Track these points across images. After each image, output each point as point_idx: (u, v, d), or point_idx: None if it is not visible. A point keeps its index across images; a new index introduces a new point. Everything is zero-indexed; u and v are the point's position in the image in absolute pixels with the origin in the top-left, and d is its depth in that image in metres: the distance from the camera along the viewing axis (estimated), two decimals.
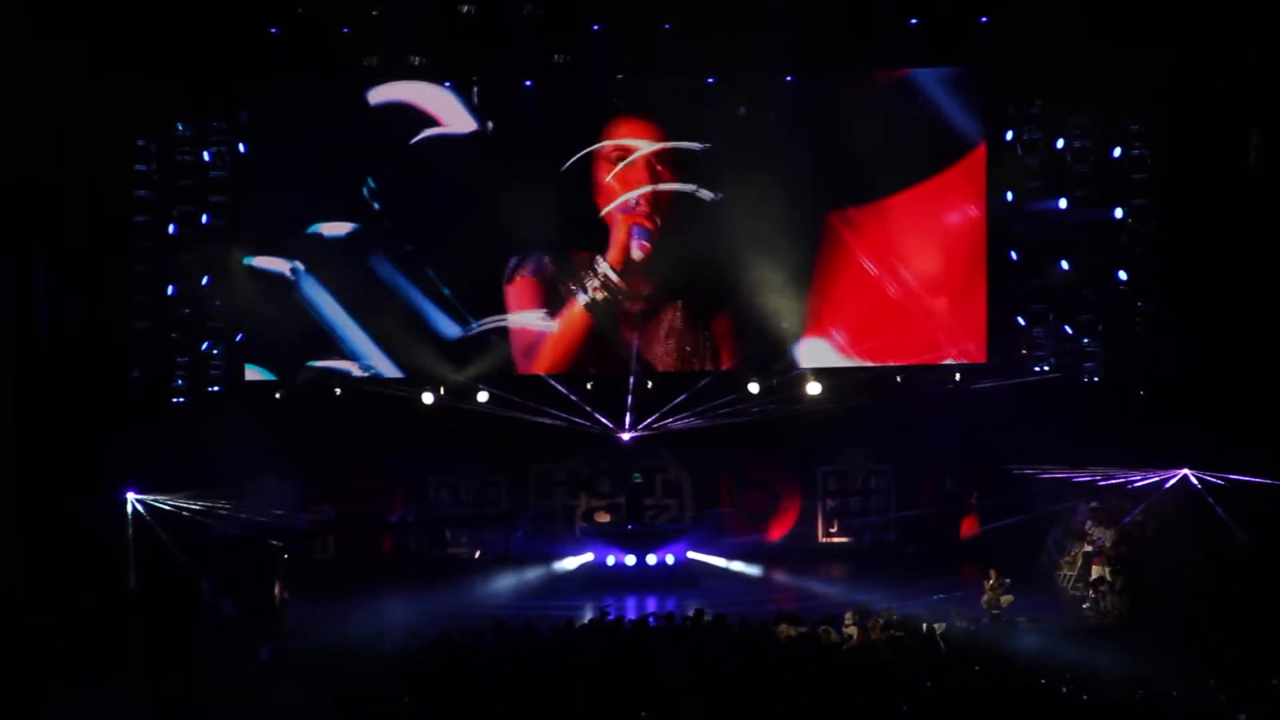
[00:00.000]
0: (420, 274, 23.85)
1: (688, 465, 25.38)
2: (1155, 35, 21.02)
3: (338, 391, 24.30)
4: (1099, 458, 21.20)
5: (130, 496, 20.38)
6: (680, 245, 23.60)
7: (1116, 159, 23.51)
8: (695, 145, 23.65)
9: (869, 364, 24.18)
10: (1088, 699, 13.71)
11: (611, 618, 18.08)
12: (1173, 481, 20.30)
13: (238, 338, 24.18)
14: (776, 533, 25.55)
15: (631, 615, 19.40)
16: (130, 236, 23.43)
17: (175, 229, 23.80)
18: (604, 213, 23.80)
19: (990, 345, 23.89)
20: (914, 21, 23.26)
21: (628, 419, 24.17)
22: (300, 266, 23.90)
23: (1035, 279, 24.03)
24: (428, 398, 23.98)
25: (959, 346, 23.95)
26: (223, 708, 14.87)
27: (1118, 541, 20.60)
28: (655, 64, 23.62)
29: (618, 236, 23.81)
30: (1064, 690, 14.00)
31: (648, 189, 23.66)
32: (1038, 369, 24.04)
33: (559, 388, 24.05)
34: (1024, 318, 24.15)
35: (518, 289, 24.10)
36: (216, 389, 24.10)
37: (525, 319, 24.09)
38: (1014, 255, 24.13)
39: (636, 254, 23.77)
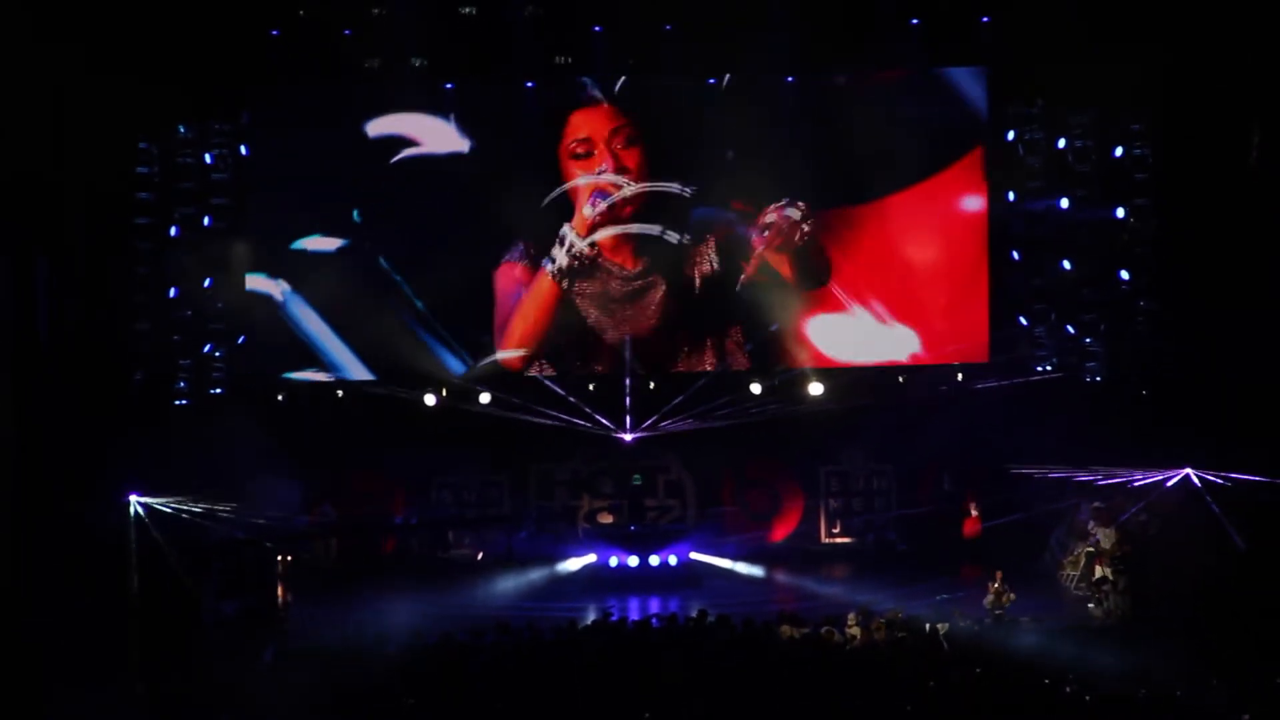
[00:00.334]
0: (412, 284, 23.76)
1: (690, 466, 25.36)
2: (1156, 35, 21.01)
3: (339, 393, 24.28)
4: (1101, 457, 21.16)
5: (133, 499, 20.35)
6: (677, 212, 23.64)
7: (1118, 158, 23.53)
8: (675, 187, 23.56)
9: (870, 364, 24.14)
10: (1090, 699, 13.71)
11: (614, 618, 18.08)
12: (1175, 481, 20.27)
13: (240, 340, 24.15)
14: (779, 533, 25.54)
15: (634, 616, 19.40)
16: (131, 238, 23.40)
17: (177, 231, 23.78)
18: (568, 186, 23.65)
19: (992, 345, 23.85)
20: (915, 22, 23.25)
21: (629, 420, 24.13)
22: (288, 288, 23.87)
23: (1037, 279, 24.02)
24: (429, 399, 23.94)
25: (960, 346, 23.92)
26: (224, 708, 14.86)
27: (1121, 541, 20.59)
28: (656, 65, 23.62)
29: (579, 204, 23.66)
30: (1067, 690, 13.99)
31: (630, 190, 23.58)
32: (1039, 369, 24.02)
33: (556, 389, 24.00)
34: (1026, 317, 24.12)
35: (504, 271, 23.95)
36: (219, 391, 24.07)
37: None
38: (1015, 255, 24.12)
39: (588, 210, 23.47)
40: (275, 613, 20.09)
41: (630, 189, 23.51)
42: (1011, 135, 23.96)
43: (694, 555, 23.72)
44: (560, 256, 23.66)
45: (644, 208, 23.64)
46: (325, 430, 23.97)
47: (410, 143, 23.58)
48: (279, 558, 20.56)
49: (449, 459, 24.84)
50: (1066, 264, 23.80)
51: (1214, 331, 21.42)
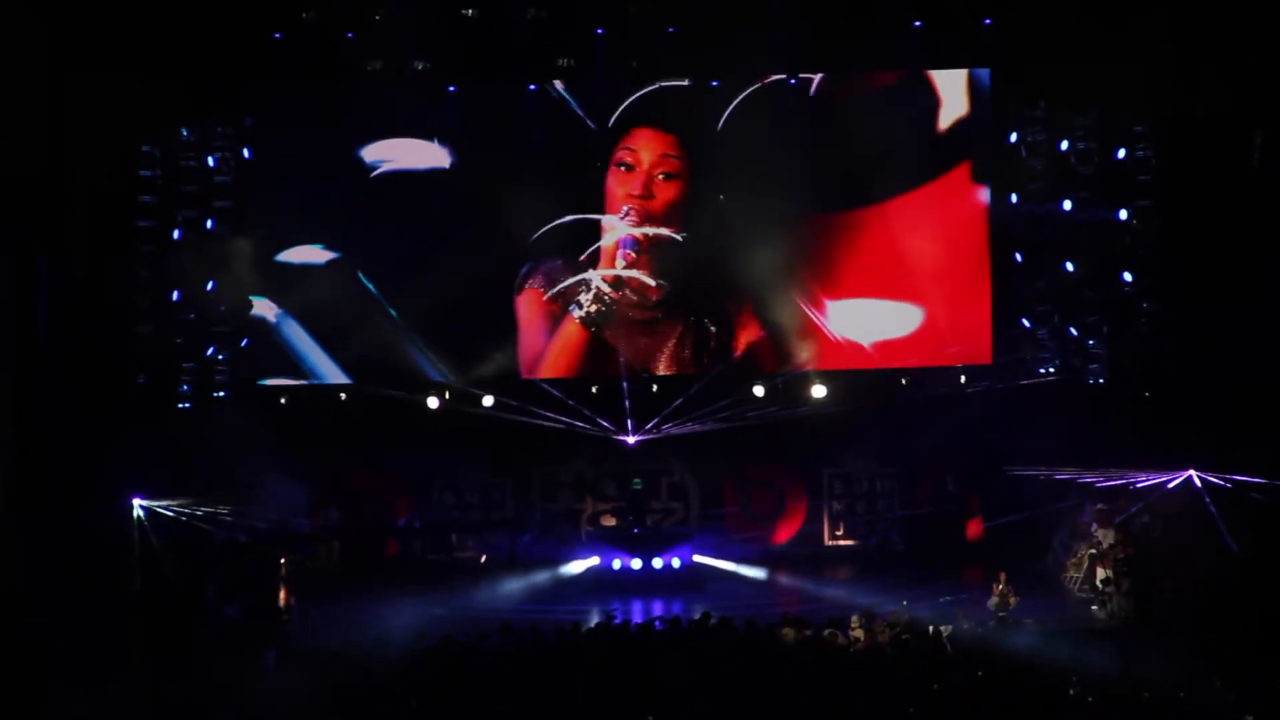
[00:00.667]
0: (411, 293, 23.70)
1: (693, 468, 25.36)
2: (1158, 36, 21.00)
3: (342, 396, 24.29)
4: (1104, 459, 21.17)
5: (135, 502, 20.37)
6: (682, 251, 23.63)
7: (1120, 160, 23.52)
8: (677, 236, 23.68)
9: (874, 366, 24.15)
10: (1094, 701, 13.71)
11: (617, 621, 18.07)
12: (1179, 482, 20.26)
13: (242, 343, 24.16)
14: (782, 535, 25.53)
15: (637, 618, 19.39)
16: (133, 241, 23.42)
17: (179, 234, 23.80)
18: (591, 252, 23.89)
19: (995, 346, 23.85)
20: (918, 24, 23.26)
21: (633, 423, 24.13)
22: (280, 311, 23.92)
23: (1039, 280, 24.03)
24: (432, 401, 23.95)
25: (963, 348, 23.91)
26: (226, 710, 14.87)
27: (1124, 543, 20.57)
28: (657, 67, 23.63)
29: (606, 247, 23.81)
30: (1070, 692, 13.99)
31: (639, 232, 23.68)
32: (1042, 370, 24.02)
33: (556, 393, 23.99)
34: (1028, 319, 24.12)
35: (527, 299, 24.08)
36: (221, 394, 24.09)
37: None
38: (1018, 257, 24.12)
39: (620, 264, 23.74)
40: (278, 615, 20.09)
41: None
42: (1014, 137, 23.96)
43: (697, 558, 23.70)
44: (587, 303, 23.80)
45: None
46: (328, 433, 23.96)
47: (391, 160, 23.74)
48: (281, 560, 20.57)
49: (452, 461, 24.86)
50: (1069, 266, 23.80)
51: (1216, 333, 21.39)
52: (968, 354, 24.00)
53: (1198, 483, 20.07)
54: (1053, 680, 14.36)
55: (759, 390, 23.98)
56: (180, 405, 23.80)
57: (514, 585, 22.72)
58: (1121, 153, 23.49)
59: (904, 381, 24.33)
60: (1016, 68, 23.22)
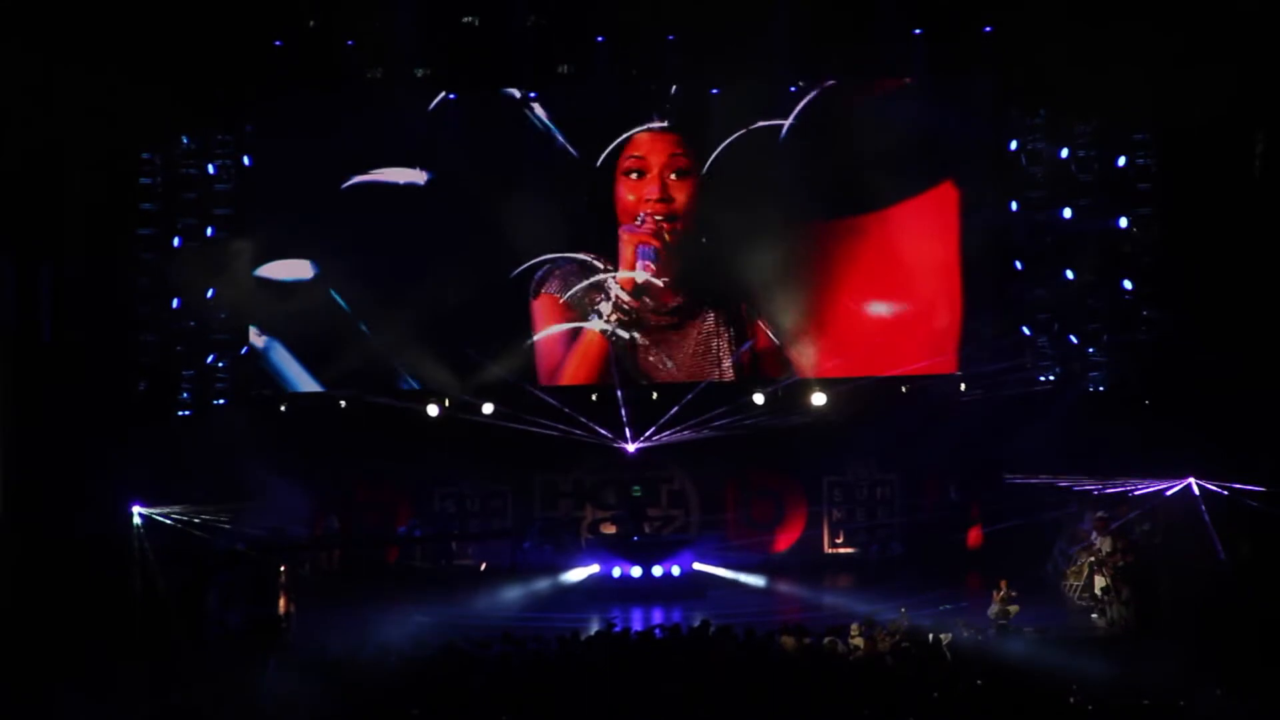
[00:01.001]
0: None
1: (693, 476, 25.36)
2: (1158, 44, 20.99)
3: (342, 404, 24.29)
4: (1104, 466, 21.17)
5: (135, 509, 20.37)
6: (694, 255, 23.76)
7: (1121, 168, 23.51)
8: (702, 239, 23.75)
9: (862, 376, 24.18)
10: (1094, 709, 13.71)
11: (618, 629, 18.07)
12: (1179, 490, 20.25)
13: (243, 351, 24.17)
14: (783, 543, 25.51)
15: (637, 626, 19.37)
16: (134, 248, 23.42)
17: (180, 241, 23.80)
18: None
19: (961, 357, 23.96)
20: (918, 31, 23.27)
21: (633, 431, 24.13)
22: (268, 339, 23.99)
23: (1039, 288, 24.02)
24: (432, 409, 23.95)
25: (931, 360, 24.03)
26: (226, 718, 14.87)
27: (1124, 550, 20.56)
28: (659, 75, 23.65)
29: (625, 256, 23.83)
30: (1070, 700, 13.99)
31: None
32: (1043, 378, 24.01)
33: (552, 402, 23.96)
34: (1029, 327, 24.12)
35: (543, 304, 24.10)
36: (222, 401, 24.09)
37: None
38: (1018, 265, 24.13)
39: (640, 275, 23.77)
40: (278, 623, 20.07)
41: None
42: (1014, 144, 23.97)
43: (697, 565, 23.68)
44: (607, 311, 23.83)
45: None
46: (328, 441, 23.95)
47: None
48: (282, 567, 20.55)
49: (452, 469, 24.84)
50: (1069, 273, 23.80)
51: (1217, 340, 21.38)
52: (935, 364, 24.05)
53: (1197, 490, 20.05)
54: (1052, 688, 14.38)
55: (759, 398, 23.97)
56: (180, 413, 23.81)
57: (514, 593, 22.71)
58: (1122, 160, 23.48)
59: (904, 389, 24.32)
60: (1017, 75, 23.21)
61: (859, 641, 17.24)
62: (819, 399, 23.94)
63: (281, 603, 20.25)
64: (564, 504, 25.43)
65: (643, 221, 23.71)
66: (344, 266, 23.81)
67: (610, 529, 24.99)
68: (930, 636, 17.30)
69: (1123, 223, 23.47)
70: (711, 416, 23.87)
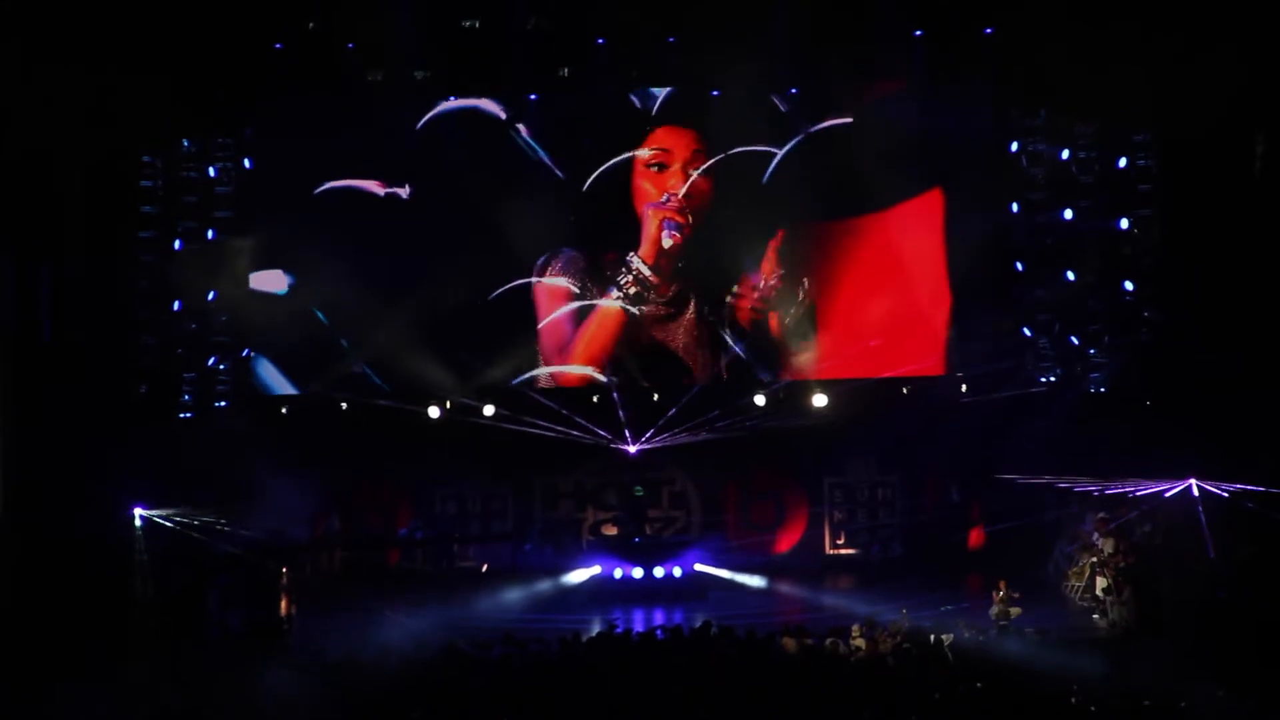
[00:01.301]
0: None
1: (694, 477, 25.35)
2: (1159, 46, 21.01)
3: (344, 405, 24.28)
4: (1105, 467, 21.16)
5: (137, 511, 20.38)
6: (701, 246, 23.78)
7: (1121, 169, 23.52)
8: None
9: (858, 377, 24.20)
10: (1095, 709, 13.70)
11: (619, 630, 18.07)
12: (1180, 491, 20.23)
13: (244, 353, 24.18)
14: (784, 544, 25.52)
15: (639, 628, 19.37)
16: (135, 251, 23.41)
17: (180, 244, 23.81)
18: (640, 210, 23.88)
19: (949, 360, 23.94)
20: (918, 33, 23.28)
21: (633, 433, 24.13)
22: (254, 354, 24.02)
23: (1040, 289, 24.03)
24: (433, 411, 23.95)
25: (919, 363, 23.99)
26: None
27: (1125, 551, 20.56)
28: (659, 77, 23.67)
29: (649, 231, 23.78)
30: (1071, 701, 13.99)
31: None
32: (1044, 379, 24.01)
33: (550, 404, 23.97)
34: (1030, 328, 24.12)
35: (548, 288, 24.08)
36: (223, 404, 24.09)
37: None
38: (1019, 266, 24.13)
39: (667, 242, 23.71)
40: (279, 624, 20.08)
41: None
42: (1015, 146, 23.97)
43: (698, 567, 23.69)
44: (628, 284, 23.78)
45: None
46: (329, 443, 23.94)
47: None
48: (283, 569, 20.56)
49: (453, 470, 24.83)
50: (1070, 274, 23.80)
51: (1217, 341, 21.38)
52: (924, 367, 24.03)
53: (1198, 491, 20.04)
54: (1054, 689, 14.38)
55: (760, 399, 23.98)
56: (182, 415, 23.80)
57: (515, 594, 22.72)
58: (1123, 162, 23.51)
59: (905, 390, 24.31)
60: (1017, 76, 23.22)
61: (860, 642, 17.25)
62: (819, 400, 23.95)
63: (283, 605, 20.27)
64: (565, 505, 25.44)
65: (668, 200, 23.71)
66: (344, 267, 23.71)
67: (611, 530, 25.00)
68: (932, 637, 17.31)
69: (1123, 224, 23.49)
70: (712, 417, 23.87)
